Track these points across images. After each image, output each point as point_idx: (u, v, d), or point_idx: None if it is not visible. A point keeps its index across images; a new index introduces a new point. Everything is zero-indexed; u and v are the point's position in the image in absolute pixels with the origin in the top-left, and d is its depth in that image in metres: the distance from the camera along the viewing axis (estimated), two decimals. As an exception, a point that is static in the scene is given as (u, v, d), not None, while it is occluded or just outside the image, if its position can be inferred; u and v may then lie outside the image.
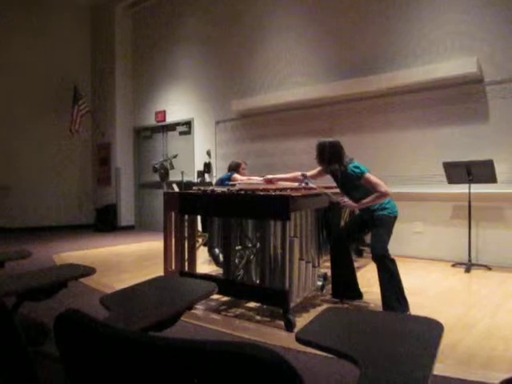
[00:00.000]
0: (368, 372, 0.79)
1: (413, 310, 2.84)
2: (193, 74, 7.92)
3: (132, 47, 9.17)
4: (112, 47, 8.96)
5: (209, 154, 7.47)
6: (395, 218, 3.00)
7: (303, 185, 3.38)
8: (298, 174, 3.45)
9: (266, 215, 2.84)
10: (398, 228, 3.20)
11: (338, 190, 3.36)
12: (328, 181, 3.53)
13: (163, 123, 8.57)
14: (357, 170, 2.94)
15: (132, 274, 4.37)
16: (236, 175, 4.85)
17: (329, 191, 3.23)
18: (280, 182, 3.59)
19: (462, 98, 4.87)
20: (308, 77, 6.26)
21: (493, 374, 2.03)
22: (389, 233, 2.94)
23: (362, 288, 3.27)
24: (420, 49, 5.19)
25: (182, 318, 1.26)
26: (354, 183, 2.99)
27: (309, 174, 3.33)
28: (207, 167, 7.53)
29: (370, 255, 2.89)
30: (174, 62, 8.28)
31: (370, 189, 2.91)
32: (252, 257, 3.29)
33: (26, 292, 1.43)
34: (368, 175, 2.92)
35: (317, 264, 3.41)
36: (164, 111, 8.52)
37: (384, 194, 2.86)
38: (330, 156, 3.01)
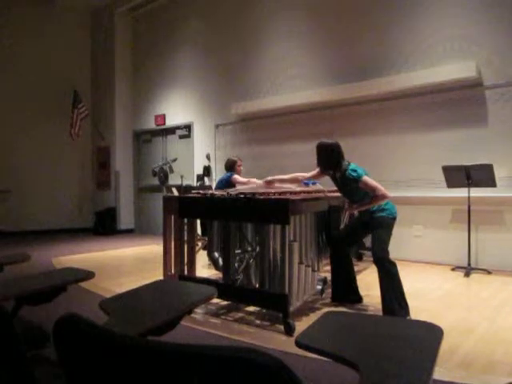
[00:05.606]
0: (368, 377, 0.79)
1: (412, 313, 2.83)
2: (192, 78, 7.94)
3: (132, 51, 9.20)
4: (112, 51, 8.99)
5: (208, 157, 7.47)
6: (394, 219, 3.00)
7: (311, 185, 3.40)
8: (297, 174, 3.47)
9: (265, 219, 2.83)
10: (397, 231, 3.21)
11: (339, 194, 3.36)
12: (330, 184, 3.53)
13: (163, 127, 8.58)
14: (354, 174, 2.94)
15: (131, 278, 4.36)
16: (235, 176, 4.81)
17: (331, 194, 3.24)
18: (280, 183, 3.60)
19: (461, 102, 4.88)
20: (308, 80, 6.27)
21: (493, 379, 2.02)
22: (389, 235, 2.94)
23: (362, 292, 3.27)
24: (419, 53, 5.21)
25: (181, 323, 1.25)
26: (352, 186, 2.99)
27: (308, 174, 3.34)
28: (207, 171, 7.53)
29: (370, 259, 2.89)
30: (173, 65, 8.30)
31: (369, 192, 2.92)
32: (251, 261, 3.29)
33: (26, 296, 1.43)
34: (365, 178, 2.91)
35: (316, 268, 3.41)
36: (164, 115, 8.52)
37: (383, 197, 2.86)
38: (329, 158, 3.02)
